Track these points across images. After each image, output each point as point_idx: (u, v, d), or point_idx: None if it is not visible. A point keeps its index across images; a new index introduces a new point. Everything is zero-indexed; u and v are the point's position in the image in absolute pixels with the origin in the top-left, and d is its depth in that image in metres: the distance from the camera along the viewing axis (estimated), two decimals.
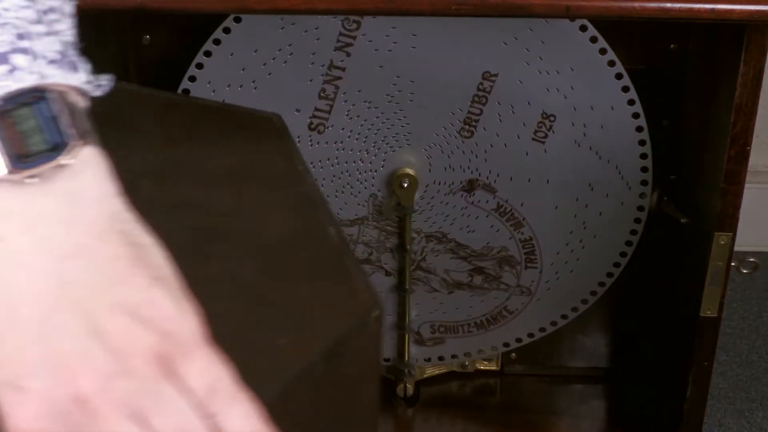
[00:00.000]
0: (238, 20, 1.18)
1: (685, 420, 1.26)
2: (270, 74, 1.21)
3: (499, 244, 1.33)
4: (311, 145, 1.25)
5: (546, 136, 1.25)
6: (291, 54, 1.20)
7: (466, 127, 1.25)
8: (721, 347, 1.63)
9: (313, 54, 1.20)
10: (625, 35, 1.23)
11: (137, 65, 1.28)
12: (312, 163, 1.26)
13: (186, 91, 1.22)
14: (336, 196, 1.28)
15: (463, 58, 1.20)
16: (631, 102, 1.22)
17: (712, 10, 1.02)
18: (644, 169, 1.26)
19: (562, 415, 1.42)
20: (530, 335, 1.40)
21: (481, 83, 1.22)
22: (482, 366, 1.46)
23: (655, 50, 1.25)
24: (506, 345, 1.41)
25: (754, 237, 1.79)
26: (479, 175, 1.27)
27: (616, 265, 1.34)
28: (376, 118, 1.24)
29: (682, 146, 1.27)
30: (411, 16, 1.16)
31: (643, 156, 1.25)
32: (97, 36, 1.14)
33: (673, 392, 1.30)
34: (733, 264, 1.18)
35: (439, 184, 1.28)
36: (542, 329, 1.40)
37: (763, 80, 1.08)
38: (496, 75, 1.21)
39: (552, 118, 1.24)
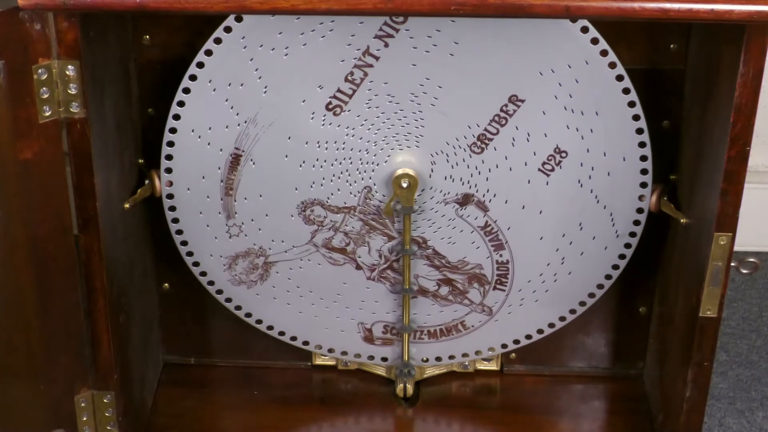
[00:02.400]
0: None
1: (685, 420, 1.26)
2: (305, 45, 1.20)
3: (476, 261, 1.33)
4: (323, 124, 1.25)
5: (552, 169, 1.25)
6: (331, 30, 1.19)
7: (478, 143, 1.25)
8: (721, 347, 1.63)
9: (352, 36, 1.19)
10: (625, 35, 1.23)
11: (137, 65, 1.28)
12: (318, 142, 1.26)
13: (218, 41, 1.19)
14: (331, 180, 1.28)
15: (495, 77, 1.20)
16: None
17: (712, 10, 1.02)
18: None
19: (562, 415, 1.42)
20: (478, 353, 1.41)
21: (506, 105, 1.22)
22: (482, 366, 1.47)
23: (655, 50, 1.26)
24: (452, 357, 1.42)
25: (754, 237, 1.79)
26: (476, 191, 1.27)
27: (582, 303, 1.36)
28: (394, 113, 1.24)
29: (682, 146, 1.27)
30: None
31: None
32: (97, 36, 1.14)
33: (673, 392, 1.30)
34: (733, 264, 1.18)
35: (434, 191, 1.28)
36: (491, 349, 1.41)
37: (763, 80, 1.08)
38: (522, 101, 1.21)
39: (563, 155, 1.24)
